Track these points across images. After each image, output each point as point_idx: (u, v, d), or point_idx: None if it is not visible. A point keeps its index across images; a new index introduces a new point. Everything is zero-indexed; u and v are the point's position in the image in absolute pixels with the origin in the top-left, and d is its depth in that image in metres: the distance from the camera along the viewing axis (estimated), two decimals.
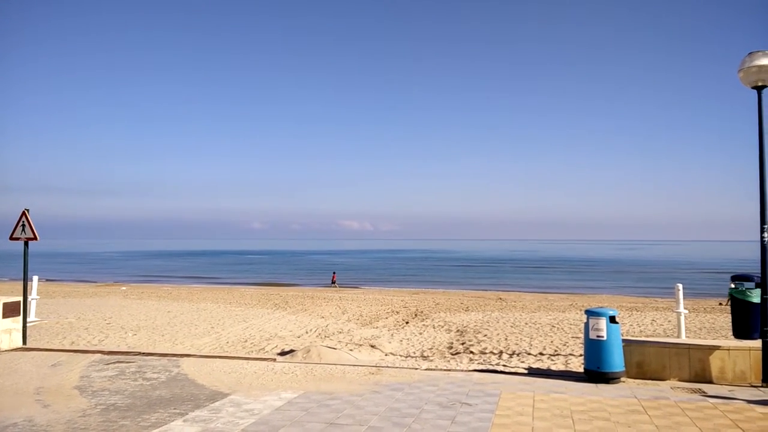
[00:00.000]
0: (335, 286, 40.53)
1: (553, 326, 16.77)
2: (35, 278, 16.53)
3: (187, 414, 6.36)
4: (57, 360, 9.66)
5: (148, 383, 7.94)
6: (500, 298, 28.69)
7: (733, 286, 8.33)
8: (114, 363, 9.40)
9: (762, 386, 7.54)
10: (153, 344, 12.89)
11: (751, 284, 8.13)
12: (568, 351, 12.29)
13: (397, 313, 21.02)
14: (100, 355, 10.21)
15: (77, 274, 56.89)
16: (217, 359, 9.86)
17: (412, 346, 13.46)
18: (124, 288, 34.58)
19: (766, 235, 7.57)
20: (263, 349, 12.68)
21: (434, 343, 13.93)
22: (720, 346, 7.99)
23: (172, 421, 6.11)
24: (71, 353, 10.41)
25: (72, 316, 18.07)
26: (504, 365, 10.23)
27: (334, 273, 45.48)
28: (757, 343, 7.73)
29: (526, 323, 17.56)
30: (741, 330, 8.22)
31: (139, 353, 10.47)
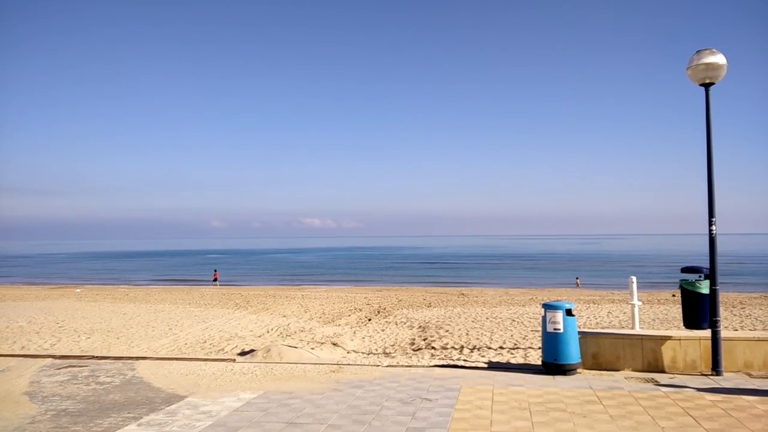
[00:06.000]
0: (216, 284, 39.97)
1: (514, 320, 17.02)
2: None
3: (141, 418, 6.20)
4: (6, 365, 9.29)
5: (101, 387, 7.71)
6: (462, 294, 28.94)
7: (683, 277, 8.59)
8: (66, 367, 9.11)
9: (711, 374, 7.79)
10: (107, 347, 12.54)
11: (701, 276, 8.40)
12: (528, 344, 12.49)
13: (360, 310, 21.00)
14: (51, 359, 9.87)
15: (28, 277, 54.99)
16: (174, 361, 9.65)
17: (375, 343, 13.46)
18: (78, 290, 33.56)
19: (713, 228, 7.83)
20: (223, 349, 12.48)
21: (396, 339, 13.96)
22: (671, 337, 8.23)
23: (126, 425, 5.94)
24: (21, 358, 10.04)
25: (23, 319, 17.44)
26: (465, 360, 10.32)
27: (215, 270, 45.09)
28: (707, 333, 7.99)
29: (487, 318, 17.77)
30: (691, 320, 8.48)
31: (93, 357, 10.17)
